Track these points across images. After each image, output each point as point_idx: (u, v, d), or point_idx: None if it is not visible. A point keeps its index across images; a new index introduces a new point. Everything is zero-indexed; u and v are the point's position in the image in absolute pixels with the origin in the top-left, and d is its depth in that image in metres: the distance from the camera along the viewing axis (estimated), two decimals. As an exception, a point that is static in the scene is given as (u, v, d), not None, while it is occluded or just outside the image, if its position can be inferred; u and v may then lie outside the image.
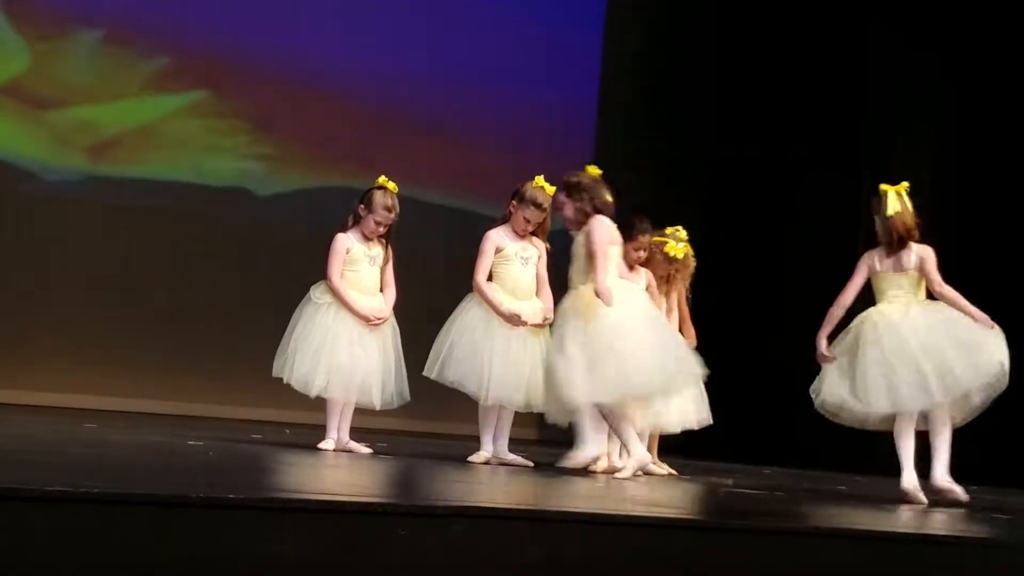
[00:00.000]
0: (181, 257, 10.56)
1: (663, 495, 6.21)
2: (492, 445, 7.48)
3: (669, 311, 8.08)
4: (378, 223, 7.61)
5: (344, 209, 7.79)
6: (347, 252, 7.60)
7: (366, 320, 7.53)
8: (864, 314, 7.06)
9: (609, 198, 7.11)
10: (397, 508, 4.17)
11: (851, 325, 7.07)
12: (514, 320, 7.38)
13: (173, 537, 3.60)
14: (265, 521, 3.76)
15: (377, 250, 7.68)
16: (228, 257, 11.29)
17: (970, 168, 11.49)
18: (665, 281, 8.15)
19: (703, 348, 8.27)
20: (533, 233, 7.61)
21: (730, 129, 12.67)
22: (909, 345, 6.84)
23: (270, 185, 11.66)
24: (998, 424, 10.75)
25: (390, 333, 7.63)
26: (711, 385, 8.27)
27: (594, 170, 7.26)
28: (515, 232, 7.58)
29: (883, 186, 7.25)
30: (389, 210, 7.63)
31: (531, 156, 11.42)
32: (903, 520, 5.96)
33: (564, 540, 4.18)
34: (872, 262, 7.09)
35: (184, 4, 11.33)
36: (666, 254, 8.08)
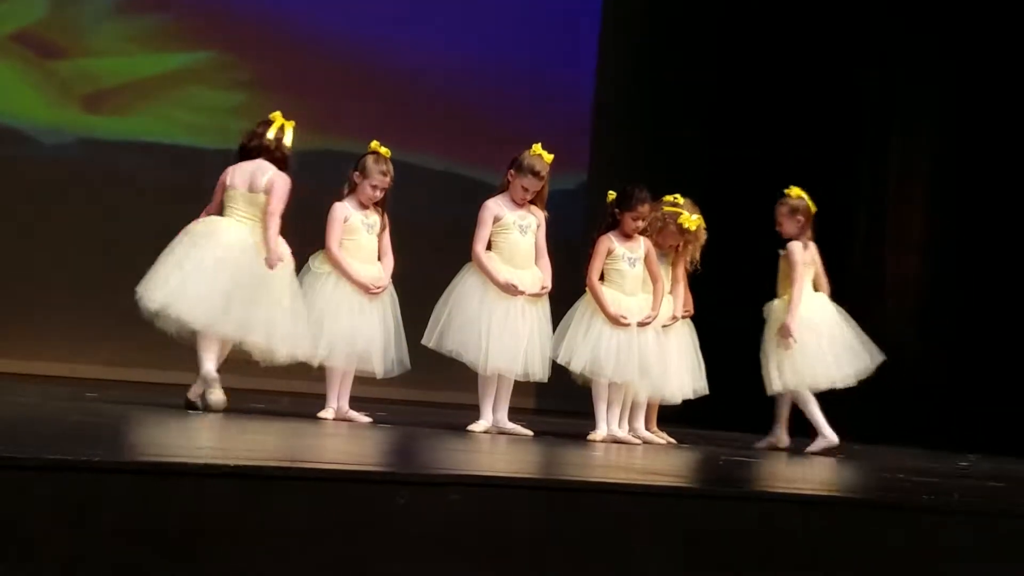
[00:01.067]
0: (180, 221, 10.52)
1: (661, 463, 6.23)
2: (492, 414, 7.50)
3: (675, 281, 8.09)
4: (374, 187, 7.60)
5: (344, 174, 7.77)
6: (345, 221, 7.60)
7: (365, 289, 7.53)
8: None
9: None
10: (395, 476, 4.20)
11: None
12: (511, 290, 7.40)
13: (174, 505, 3.62)
14: (265, 489, 3.77)
15: (374, 218, 7.67)
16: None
17: (967, 163, 11.46)
18: (674, 251, 8.15)
19: (701, 318, 8.31)
20: (532, 202, 7.63)
21: (727, 119, 12.65)
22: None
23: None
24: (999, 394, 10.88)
25: (389, 301, 7.63)
26: (709, 354, 8.31)
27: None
28: (513, 201, 7.59)
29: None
30: (384, 174, 7.61)
31: (530, 124, 11.43)
32: (899, 486, 5.98)
33: (562, 508, 4.20)
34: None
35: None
36: (680, 225, 8.09)
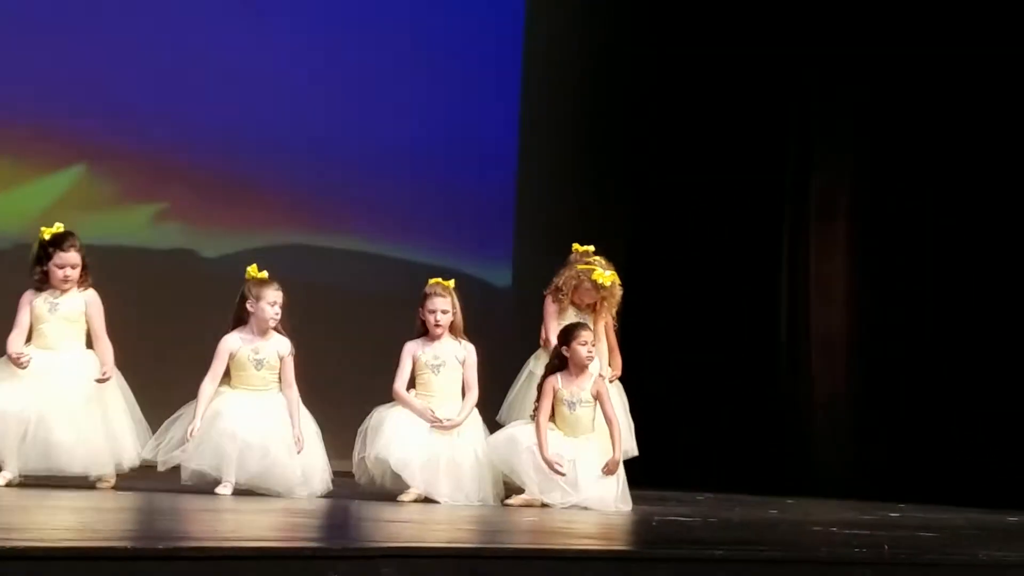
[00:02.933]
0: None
1: (594, 527, 6.22)
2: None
3: (596, 340, 8.08)
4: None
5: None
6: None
7: None
8: None
9: None
10: (328, 552, 4.17)
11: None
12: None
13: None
14: (197, 570, 3.74)
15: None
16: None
17: (888, 209, 11.57)
18: (592, 310, 8.18)
19: (627, 382, 8.32)
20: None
21: (654, 152, 12.71)
22: None
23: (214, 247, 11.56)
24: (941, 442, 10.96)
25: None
26: (639, 414, 8.32)
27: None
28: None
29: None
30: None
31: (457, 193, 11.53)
32: (836, 541, 6.00)
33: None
34: None
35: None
36: (594, 281, 8.10)
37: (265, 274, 7.67)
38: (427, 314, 7.78)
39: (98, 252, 10.38)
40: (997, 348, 10.92)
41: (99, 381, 7.29)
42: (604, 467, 7.44)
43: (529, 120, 12.73)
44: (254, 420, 7.41)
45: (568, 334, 7.70)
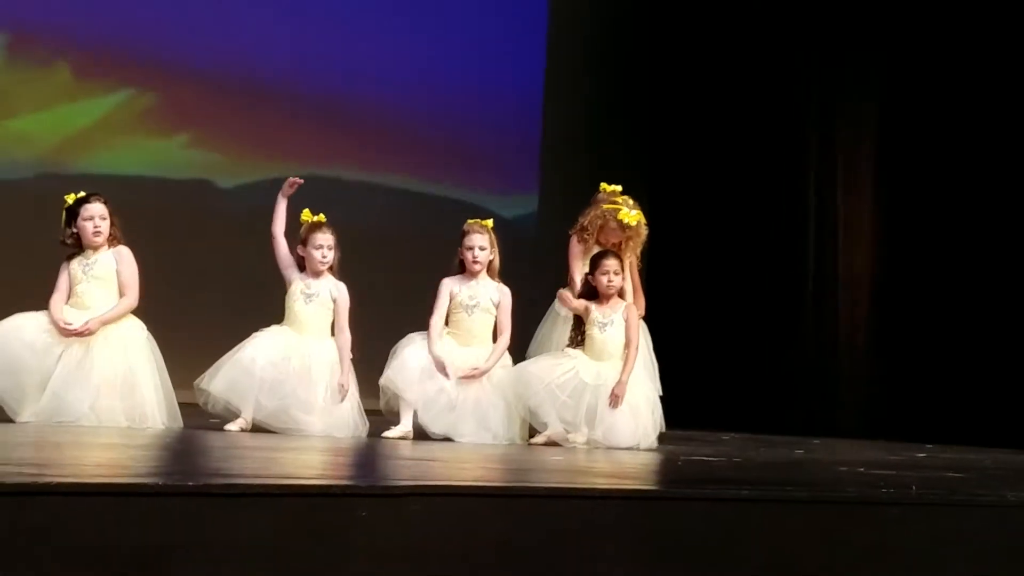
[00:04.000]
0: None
1: (619, 466, 6.23)
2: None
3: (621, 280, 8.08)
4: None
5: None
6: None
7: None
8: None
9: None
10: (356, 489, 4.19)
11: None
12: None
13: (133, 526, 3.60)
14: (225, 507, 3.76)
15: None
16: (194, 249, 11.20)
17: (916, 152, 11.51)
18: (617, 250, 8.16)
19: (653, 321, 8.31)
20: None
21: (677, 105, 12.69)
22: None
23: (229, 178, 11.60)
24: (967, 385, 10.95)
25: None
26: (663, 355, 8.31)
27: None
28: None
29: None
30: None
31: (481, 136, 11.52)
32: (863, 481, 6.01)
33: (525, 515, 4.19)
34: None
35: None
36: (620, 221, 8.09)
37: (319, 217, 7.71)
38: (465, 251, 7.78)
39: (124, 181, 10.48)
40: (1024, 288, 10.90)
41: (76, 333, 7.29)
42: (610, 397, 7.48)
43: (557, 58, 12.69)
44: (279, 356, 7.43)
45: (593, 263, 7.80)
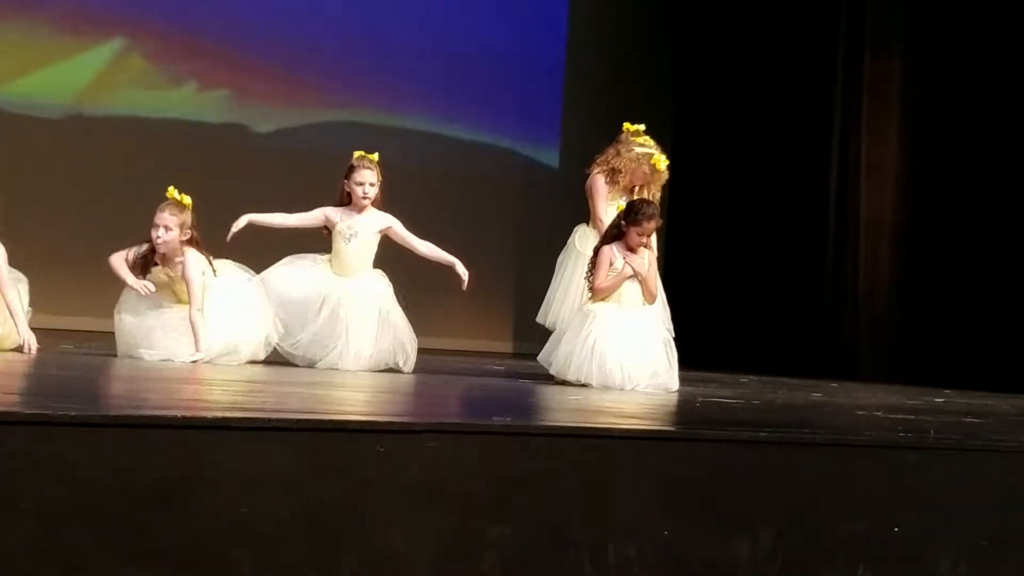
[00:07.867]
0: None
1: (638, 407, 6.24)
2: None
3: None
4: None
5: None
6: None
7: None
8: None
9: None
10: (373, 425, 4.20)
11: None
12: None
13: (152, 459, 3.61)
14: (244, 441, 3.77)
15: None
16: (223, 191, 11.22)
17: (942, 95, 11.42)
18: (639, 189, 8.15)
19: (673, 261, 8.30)
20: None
21: (701, 48, 12.63)
22: None
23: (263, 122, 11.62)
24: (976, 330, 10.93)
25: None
26: (683, 296, 8.30)
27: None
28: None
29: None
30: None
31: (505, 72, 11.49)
32: (881, 425, 6.01)
33: (541, 454, 4.20)
34: None
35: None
36: (652, 166, 8.10)
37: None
38: (355, 186, 7.77)
39: (148, 125, 10.49)
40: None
41: None
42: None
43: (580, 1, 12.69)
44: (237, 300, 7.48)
45: (634, 214, 7.57)
